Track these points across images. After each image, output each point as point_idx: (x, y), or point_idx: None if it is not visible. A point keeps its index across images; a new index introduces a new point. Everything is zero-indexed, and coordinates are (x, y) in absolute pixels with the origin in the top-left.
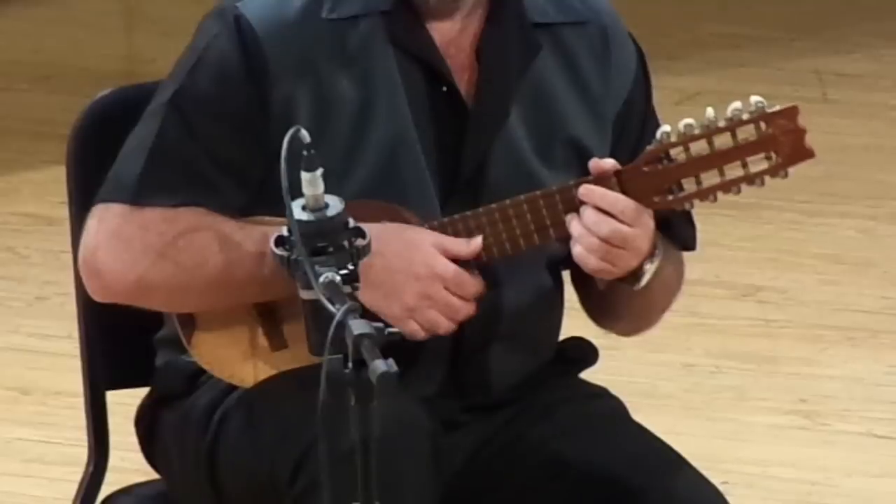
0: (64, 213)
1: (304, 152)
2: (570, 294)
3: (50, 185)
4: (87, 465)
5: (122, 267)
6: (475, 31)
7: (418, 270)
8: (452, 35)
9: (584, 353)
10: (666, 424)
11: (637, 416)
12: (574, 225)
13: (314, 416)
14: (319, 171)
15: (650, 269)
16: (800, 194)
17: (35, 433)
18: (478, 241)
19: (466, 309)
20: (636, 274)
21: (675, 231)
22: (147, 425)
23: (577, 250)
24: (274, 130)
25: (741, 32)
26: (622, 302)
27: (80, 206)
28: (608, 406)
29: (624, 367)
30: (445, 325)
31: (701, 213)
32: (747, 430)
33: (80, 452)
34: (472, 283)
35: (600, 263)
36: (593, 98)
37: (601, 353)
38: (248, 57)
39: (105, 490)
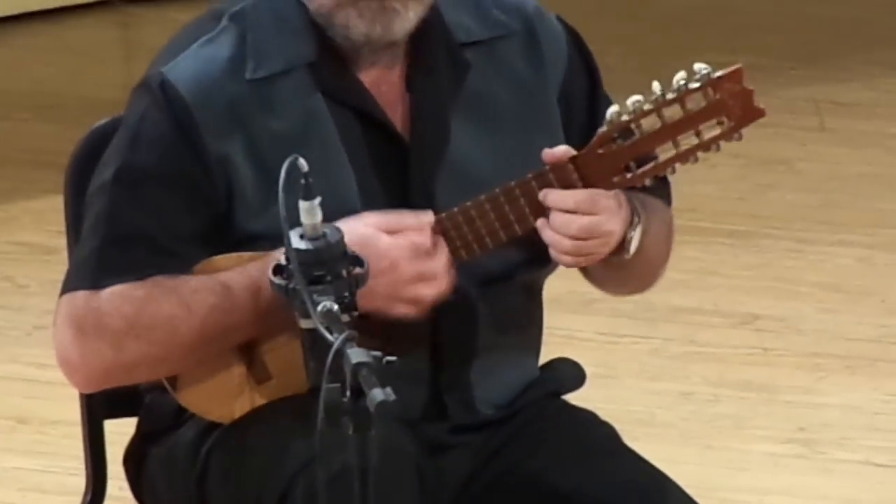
0: (62, 242)
1: (303, 181)
2: (554, 321)
3: (48, 215)
4: (85, 494)
5: (96, 358)
6: (403, 63)
7: (378, 266)
8: (381, 73)
9: (571, 373)
10: (664, 453)
11: (635, 444)
12: (546, 233)
13: (301, 445)
14: (317, 200)
15: (634, 235)
16: (798, 223)
17: (33, 462)
18: (428, 215)
19: (438, 264)
20: (622, 245)
21: (650, 192)
22: (135, 463)
23: (554, 255)
24: (218, 190)
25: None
26: (621, 271)
27: (79, 236)
28: (600, 433)
29: (621, 396)
30: (431, 293)
31: (699, 242)
32: (745, 459)
33: (78, 482)
34: (429, 240)
35: (578, 260)
36: (534, 94)
37: (598, 381)
38: (179, 122)
39: None
